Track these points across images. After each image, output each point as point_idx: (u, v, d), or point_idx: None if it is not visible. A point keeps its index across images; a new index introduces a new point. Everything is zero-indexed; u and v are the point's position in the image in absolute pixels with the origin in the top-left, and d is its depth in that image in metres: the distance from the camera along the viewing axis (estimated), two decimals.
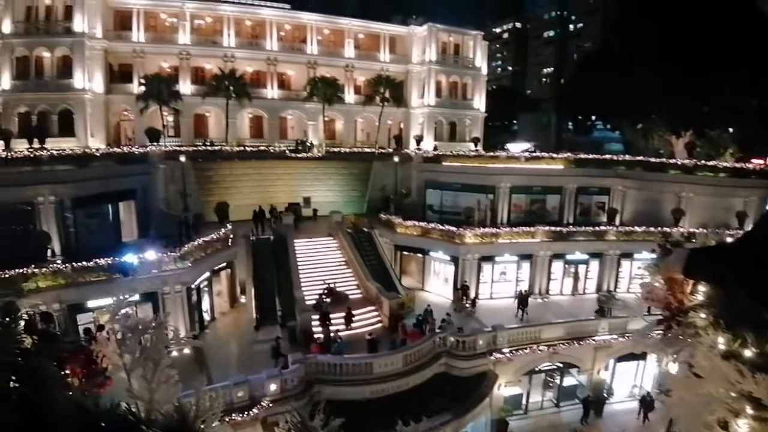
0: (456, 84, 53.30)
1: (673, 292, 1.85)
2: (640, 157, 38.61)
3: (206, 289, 26.39)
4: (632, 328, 24.23)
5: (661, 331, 1.80)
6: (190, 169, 33.33)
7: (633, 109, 44.50)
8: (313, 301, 25.17)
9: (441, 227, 31.75)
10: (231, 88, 40.39)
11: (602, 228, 33.25)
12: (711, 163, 36.94)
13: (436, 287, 31.88)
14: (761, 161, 38.93)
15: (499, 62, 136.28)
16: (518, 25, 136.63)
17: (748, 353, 1.29)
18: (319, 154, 41.29)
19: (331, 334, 22.30)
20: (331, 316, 23.67)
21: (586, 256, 32.43)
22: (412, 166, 38.97)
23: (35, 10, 37.57)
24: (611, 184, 36.29)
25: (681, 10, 38.64)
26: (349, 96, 49.13)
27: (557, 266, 32.35)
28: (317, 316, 23.49)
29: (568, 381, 25.93)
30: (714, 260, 1.80)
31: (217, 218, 31.41)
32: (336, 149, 43.68)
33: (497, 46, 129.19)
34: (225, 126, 41.79)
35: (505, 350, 23.09)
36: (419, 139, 46.44)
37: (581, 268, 32.71)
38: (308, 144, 42.94)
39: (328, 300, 25.65)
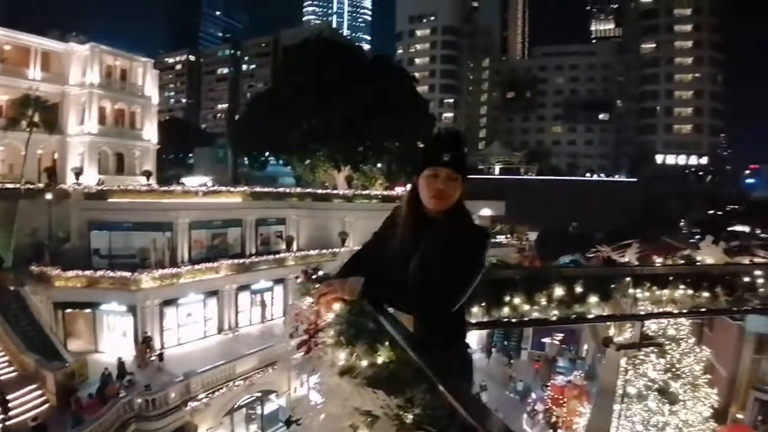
0: (123, 112, 47.62)
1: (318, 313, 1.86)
2: (309, 189, 43.40)
3: None
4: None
5: (302, 354, 1.80)
6: None
7: (299, 147, 49.91)
8: None
9: (112, 274, 27.39)
10: None
11: (282, 255, 35.52)
12: (365, 192, 45.21)
13: (114, 345, 27.25)
14: (403, 187, 49.98)
15: (173, 93, 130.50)
16: (192, 58, 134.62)
17: (362, 366, 1.35)
18: None
19: None
20: None
21: (270, 284, 33.96)
22: (70, 204, 31.95)
23: None
24: (286, 214, 39.32)
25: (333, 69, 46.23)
26: None
27: (244, 297, 32.70)
28: None
29: (270, 407, 26.42)
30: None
31: None
32: None
33: (170, 76, 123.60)
34: None
35: (201, 396, 21.76)
36: (79, 172, 39.00)
37: (267, 295, 34.04)
38: None
39: None
